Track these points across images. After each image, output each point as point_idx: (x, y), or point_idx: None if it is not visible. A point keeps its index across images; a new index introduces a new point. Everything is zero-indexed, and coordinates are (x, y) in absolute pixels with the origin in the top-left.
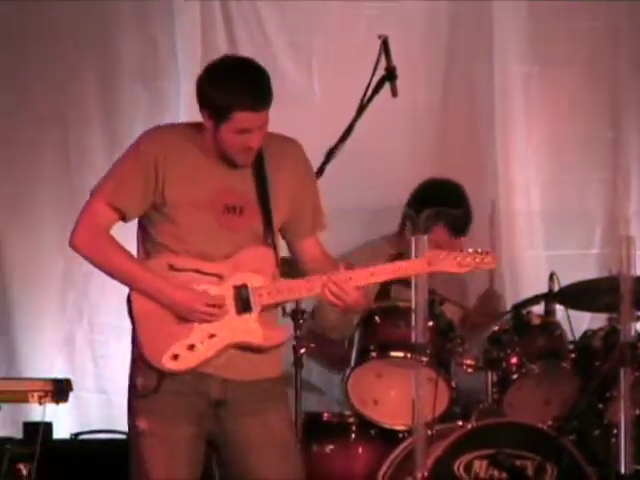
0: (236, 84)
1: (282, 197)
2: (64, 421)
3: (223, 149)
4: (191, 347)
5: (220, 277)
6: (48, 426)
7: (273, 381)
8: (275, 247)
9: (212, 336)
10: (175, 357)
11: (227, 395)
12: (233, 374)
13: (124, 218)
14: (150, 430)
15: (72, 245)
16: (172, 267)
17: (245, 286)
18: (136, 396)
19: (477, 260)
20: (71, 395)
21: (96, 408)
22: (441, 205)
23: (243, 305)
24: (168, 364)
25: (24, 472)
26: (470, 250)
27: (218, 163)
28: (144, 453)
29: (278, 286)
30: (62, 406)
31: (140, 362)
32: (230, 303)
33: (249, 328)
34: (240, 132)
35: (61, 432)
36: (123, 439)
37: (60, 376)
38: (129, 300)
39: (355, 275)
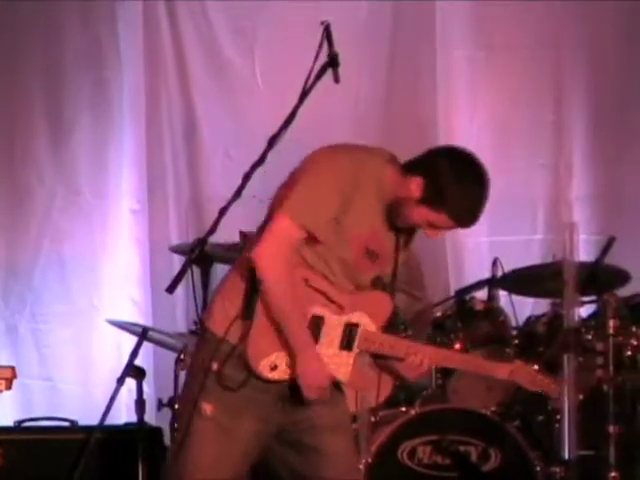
0: (469, 199)
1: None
2: (7, 409)
3: (401, 214)
4: (290, 364)
5: (342, 308)
6: None
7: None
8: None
9: None
10: (274, 368)
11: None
12: None
13: (310, 237)
14: (213, 415)
15: (254, 256)
16: (307, 282)
17: (357, 326)
18: (211, 379)
19: (549, 385)
20: (15, 383)
21: (40, 395)
22: None
23: (347, 342)
24: (265, 371)
25: None
26: (541, 373)
27: (382, 210)
28: (197, 434)
29: (385, 338)
30: (6, 394)
31: (233, 353)
32: (337, 335)
33: (342, 364)
34: (429, 225)
35: (4, 420)
36: (66, 426)
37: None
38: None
39: (450, 357)
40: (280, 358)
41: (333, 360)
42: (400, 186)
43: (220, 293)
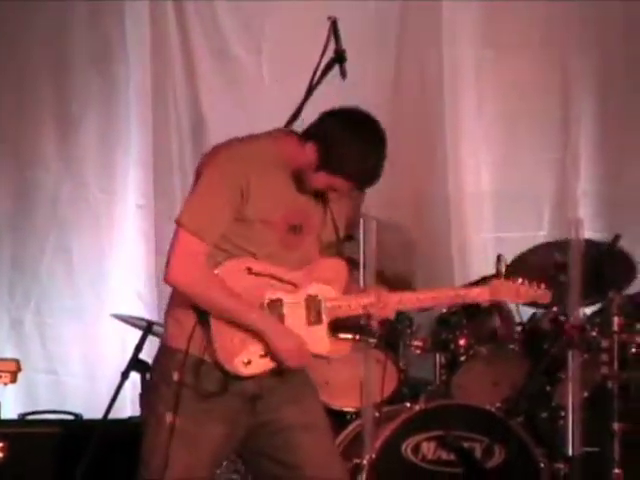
0: (364, 160)
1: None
2: (12, 402)
3: (304, 180)
4: (263, 355)
5: (295, 286)
6: None
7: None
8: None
9: None
10: (248, 363)
11: (262, 389)
12: None
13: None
14: (177, 425)
15: (169, 280)
16: (250, 270)
17: (317, 297)
18: (173, 389)
19: (534, 292)
20: (19, 376)
21: (44, 389)
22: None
23: (314, 316)
24: (240, 368)
25: None
26: (526, 282)
27: (290, 180)
28: (163, 446)
29: (349, 299)
30: (10, 387)
31: (202, 363)
32: (301, 313)
33: (317, 339)
34: (331, 189)
35: (9, 413)
36: (71, 420)
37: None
38: None
39: (404, 298)
40: (250, 354)
41: (309, 339)
42: (299, 154)
43: (170, 313)
